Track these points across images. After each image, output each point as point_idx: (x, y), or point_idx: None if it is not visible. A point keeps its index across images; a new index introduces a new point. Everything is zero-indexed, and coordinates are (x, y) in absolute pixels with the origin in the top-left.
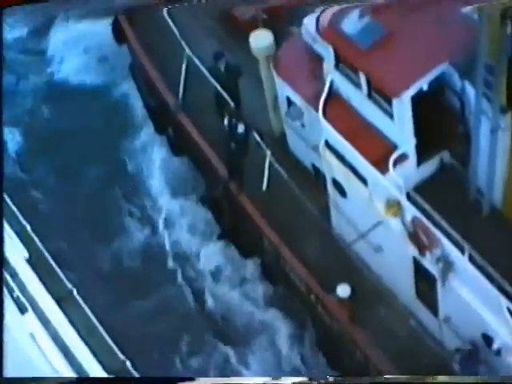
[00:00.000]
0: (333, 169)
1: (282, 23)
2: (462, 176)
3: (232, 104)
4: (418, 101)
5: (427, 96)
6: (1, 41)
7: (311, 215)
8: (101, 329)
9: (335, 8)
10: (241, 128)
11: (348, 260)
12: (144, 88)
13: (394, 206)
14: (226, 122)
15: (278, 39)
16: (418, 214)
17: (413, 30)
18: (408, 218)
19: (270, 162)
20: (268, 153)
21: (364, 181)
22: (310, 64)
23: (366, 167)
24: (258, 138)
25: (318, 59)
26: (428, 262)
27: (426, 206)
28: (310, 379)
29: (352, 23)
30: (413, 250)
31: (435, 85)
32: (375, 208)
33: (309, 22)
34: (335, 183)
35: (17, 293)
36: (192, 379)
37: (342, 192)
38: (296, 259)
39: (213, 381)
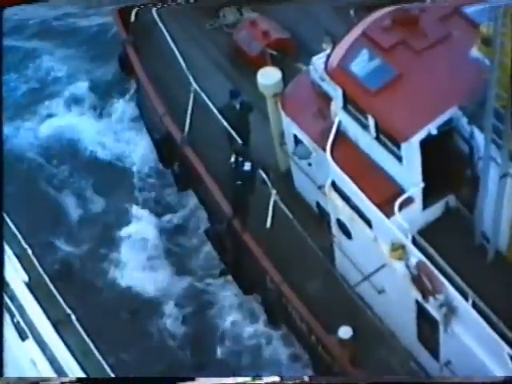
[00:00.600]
0: (338, 209)
1: (290, 59)
2: (468, 220)
3: (240, 141)
4: (426, 144)
5: (435, 140)
6: (1, 41)
7: (314, 254)
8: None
9: (344, 47)
10: (247, 166)
11: (350, 300)
12: (150, 120)
13: (398, 250)
14: (232, 159)
15: (286, 75)
16: (423, 259)
17: (423, 73)
18: (412, 261)
19: (274, 201)
20: (273, 191)
21: (369, 223)
22: (317, 102)
23: (371, 209)
24: (265, 176)
25: (326, 97)
26: (431, 307)
27: (431, 251)
28: (281, 378)
29: (361, 64)
30: (416, 294)
31: (444, 129)
32: (380, 250)
33: (317, 60)
34: (340, 224)
35: (17, 318)
36: (192, 379)
37: (347, 233)
38: (298, 299)
39: (213, 381)
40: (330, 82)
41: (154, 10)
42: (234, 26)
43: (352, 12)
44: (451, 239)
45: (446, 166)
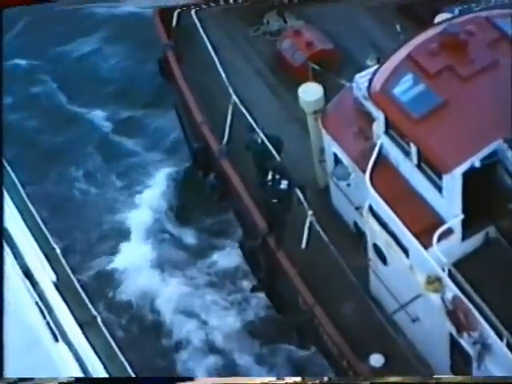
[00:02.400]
0: (375, 234)
1: (333, 74)
2: (507, 253)
3: (278, 158)
4: (468, 175)
5: (478, 171)
6: (1, 41)
7: (349, 277)
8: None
9: (388, 70)
10: (284, 184)
11: (383, 326)
12: (188, 128)
13: (435, 282)
14: (269, 176)
15: (327, 90)
16: (460, 294)
17: (468, 101)
18: (448, 296)
19: (310, 222)
20: (310, 212)
21: (406, 251)
22: (359, 122)
23: (408, 238)
24: (301, 196)
25: (369, 117)
26: (465, 342)
27: (468, 287)
28: (303, 379)
29: (405, 89)
30: (450, 327)
31: (487, 161)
32: (415, 280)
33: (361, 78)
34: (376, 248)
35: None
36: (191, 379)
37: (383, 258)
38: (330, 322)
39: (212, 381)
40: (367, 98)
41: (195, 15)
42: (278, 34)
43: (398, 27)
44: (489, 272)
45: (488, 197)
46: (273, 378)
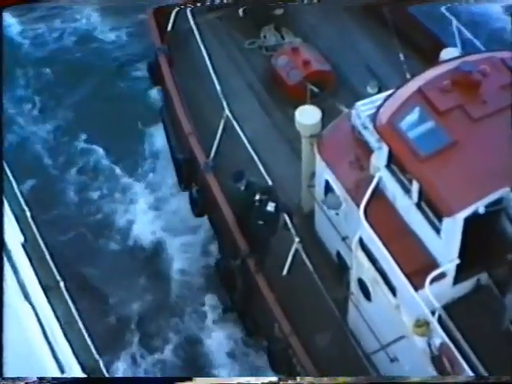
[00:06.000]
0: (362, 269)
1: (331, 97)
2: (497, 301)
3: (269, 182)
4: (469, 221)
5: (480, 217)
6: (1, 41)
7: (327, 306)
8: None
9: (396, 103)
10: (271, 206)
11: (358, 360)
12: (173, 137)
13: (423, 326)
14: (257, 197)
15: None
16: (448, 341)
17: (477, 144)
18: (436, 342)
19: (296, 249)
20: (296, 240)
21: (394, 290)
22: (355, 150)
23: (399, 278)
24: (288, 222)
25: (366, 147)
26: None
27: (457, 335)
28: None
29: (413, 124)
30: (432, 372)
31: (491, 208)
32: (400, 320)
33: (362, 106)
34: (361, 283)
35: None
36: (190, 379)
37: (367, 294)
38: (305, 354)
39: (211, 381)
40: (375, 135)
41: (192, 19)
42: (274, 49)
43: (402, 56)
44: (477, 319)
45: (486, 244)
46: (251, 378)
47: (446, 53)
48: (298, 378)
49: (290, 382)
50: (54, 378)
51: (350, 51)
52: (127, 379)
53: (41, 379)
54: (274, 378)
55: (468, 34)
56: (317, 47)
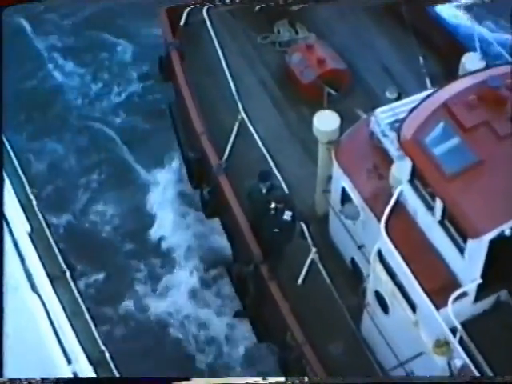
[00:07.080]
0: (380, 282)
1: (349, 100)
2: None
3: (286, 190)
4: (494, 242)
5: (505, 238)
6: (1, 41)
7: (341, 314)
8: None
9: (421, 117)
10: (287, 215)
11: (371, 369)
12: (183, 135)
13: (443, 346)
14: (273, 205)
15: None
16: (470, 364)
17: (504, 163)
18: (457, 363)
19: (312, 259)
20: (313, 249)
21: (413, 307)
22: (374, 158)
23: (419, 295)
24: (305, 230)
25: (384, 154)
26: None
27: (478, 356)
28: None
29: (439, 140)
30: None
31: None
32: (419, 337)
33: (382, 114)
34: (378, 295)
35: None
36: (187, 379)
37: (384, 307)
38: (318, 362)
39: (209, 380)
40: (398, 149)
41: (206, 14)
42: (288, 45)
43: (421, 59)
44: (496, 337)
45: (508, 262)
46: (258, 378)
47: (468, 58)
48: (306, 378)
49: (297, 382)
50: (56, 379)
51: (366, 50)
52: (125, 379)
53: (43, 379)
54: (282, 378)
55: (489, 38)
56: (332, 45)
